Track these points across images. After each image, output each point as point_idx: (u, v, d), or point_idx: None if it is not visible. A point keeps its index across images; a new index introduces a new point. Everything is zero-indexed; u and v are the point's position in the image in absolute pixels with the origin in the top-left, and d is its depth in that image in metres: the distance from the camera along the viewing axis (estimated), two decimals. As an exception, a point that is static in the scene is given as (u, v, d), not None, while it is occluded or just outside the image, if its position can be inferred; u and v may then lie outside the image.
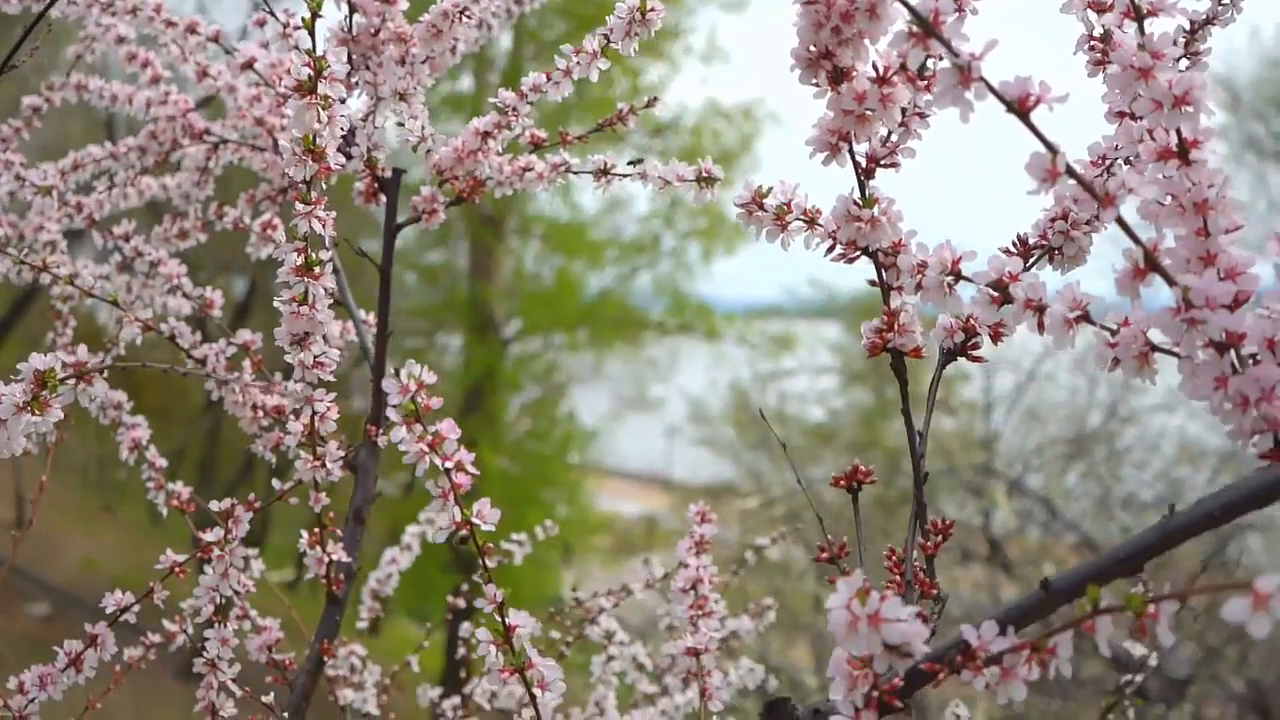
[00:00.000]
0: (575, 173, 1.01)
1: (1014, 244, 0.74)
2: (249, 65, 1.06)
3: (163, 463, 1.15)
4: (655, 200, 12.17)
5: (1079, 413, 7.15)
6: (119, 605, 0.96)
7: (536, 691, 0.69)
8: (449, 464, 0.66)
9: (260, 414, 1.06)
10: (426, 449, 0.66)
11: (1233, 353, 0.55)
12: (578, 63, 0.93)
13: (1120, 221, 0.54)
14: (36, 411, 0.72)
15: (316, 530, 1.01)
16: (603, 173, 0.99)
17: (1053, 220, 0.73)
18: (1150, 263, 0.54)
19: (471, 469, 0.66)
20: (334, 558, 1.02)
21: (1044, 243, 0.73)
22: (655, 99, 1.06)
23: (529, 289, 12.07)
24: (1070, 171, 0.53)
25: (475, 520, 0.67)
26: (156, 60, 1.27)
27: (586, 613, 1.40)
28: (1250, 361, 0.55)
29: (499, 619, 0.69)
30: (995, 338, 0.72)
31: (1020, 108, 0.54)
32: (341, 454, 0.96)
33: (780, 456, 8.34)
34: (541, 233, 12.26)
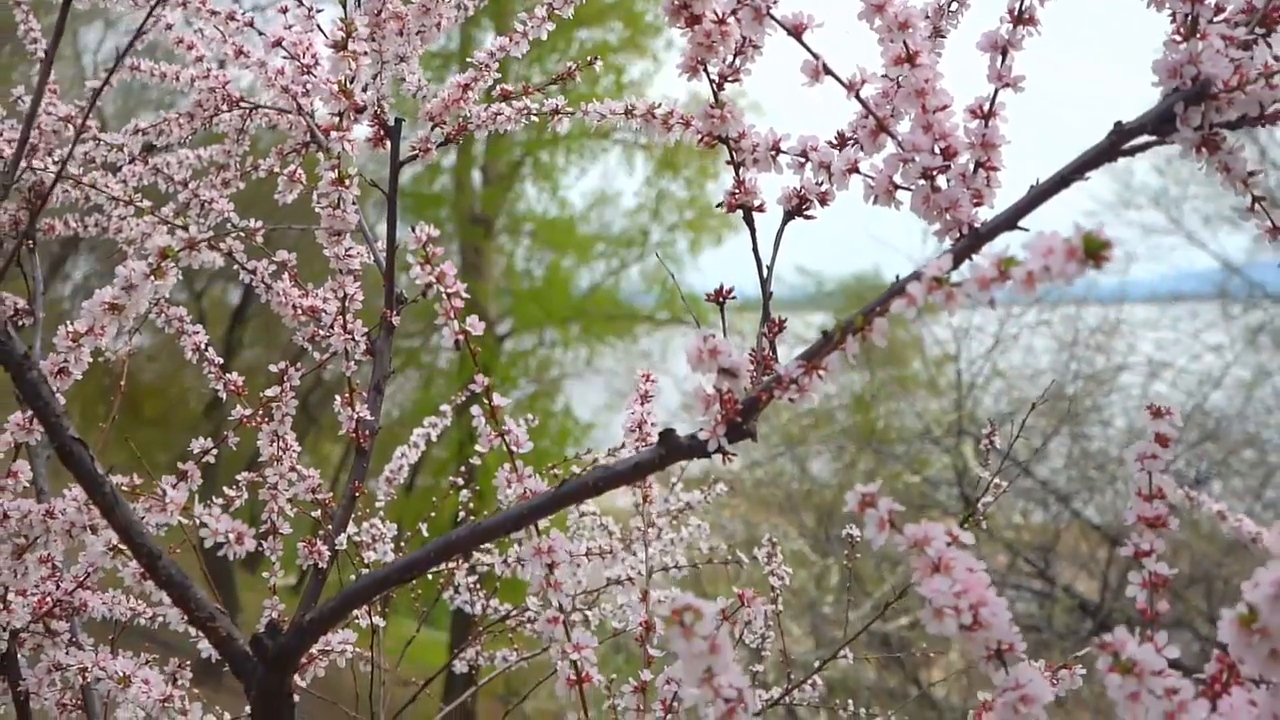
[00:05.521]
0: (536, 115, 1.33)
1: (835, 137, 1.05)
2: (277, 43, 1.37)
3: (220, 360, 1.46)
4: (642, 194, 12.42)
5: (1059, 380, 7.51)
6: (202, 449, 1.27)
7: (513, 448, 1.01)
8: (450, 290, 0.98)
9: (298, 312, 1.37)
10: (434, 280, 0.98)
11: (942, 180, 0.87)
12: (532, 26, 1.26)
13: (859, 99, 0.86)
14: (158, 277, 1.03)
15: (348, 393, 1.32)
16: (555, 113, 1.31)
17: (860, 119, 1.04)
18: (880, 126, 0.86)
19: (464, 294, 0.98)
20: (361, 416, 1.33)
21: (854, 136, 1.04)
22: (596, 58, 1.38)
23: (520, 286, 12.38)
24: (827, 69, 0.85)
25: (468, 328, 0.99)
26: (199, 43, 1.58)
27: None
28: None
29: (487, 401, 1.01)
30: (822, 202, 1.03)
31: (796, 32, 0.85)
32: (366, 330, 1.28)
33: (775, 444, 8.67)
34: (530, 230, 12.58)
